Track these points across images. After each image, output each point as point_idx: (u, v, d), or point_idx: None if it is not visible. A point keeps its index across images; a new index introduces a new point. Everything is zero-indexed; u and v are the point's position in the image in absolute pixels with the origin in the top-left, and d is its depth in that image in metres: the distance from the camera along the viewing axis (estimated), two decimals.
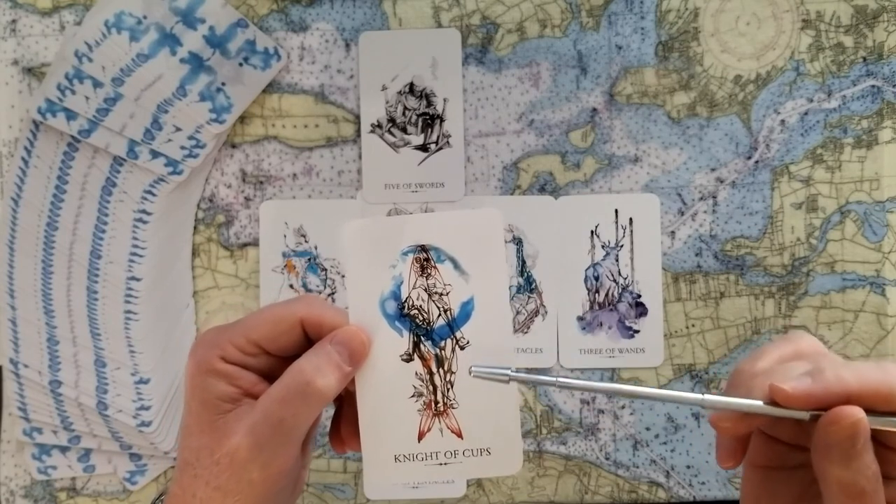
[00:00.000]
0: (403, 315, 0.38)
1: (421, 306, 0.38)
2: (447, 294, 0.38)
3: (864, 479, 0.31)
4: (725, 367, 0.55)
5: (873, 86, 0.54)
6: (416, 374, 0.38)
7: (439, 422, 0.38)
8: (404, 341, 0.38)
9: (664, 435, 0.55)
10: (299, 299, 0.38)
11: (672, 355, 0.55)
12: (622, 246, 0.55)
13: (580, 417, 0.55)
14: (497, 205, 0.55)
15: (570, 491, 0.55)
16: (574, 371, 0.55)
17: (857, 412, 0.31)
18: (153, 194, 0.54)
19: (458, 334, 0.38)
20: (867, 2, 0.54)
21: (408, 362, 0.38)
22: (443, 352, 0.38)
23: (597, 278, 0.55)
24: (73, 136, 0.53)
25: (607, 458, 0.55)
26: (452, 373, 0.38)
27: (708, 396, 0.33)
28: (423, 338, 0.38)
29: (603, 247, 0.55)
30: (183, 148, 0.53)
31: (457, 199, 0.55)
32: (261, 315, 0.38)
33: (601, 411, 0.55)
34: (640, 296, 0.55)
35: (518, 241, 0.55)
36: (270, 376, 0.37)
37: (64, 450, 0.55)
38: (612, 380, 0.55)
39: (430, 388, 0.38)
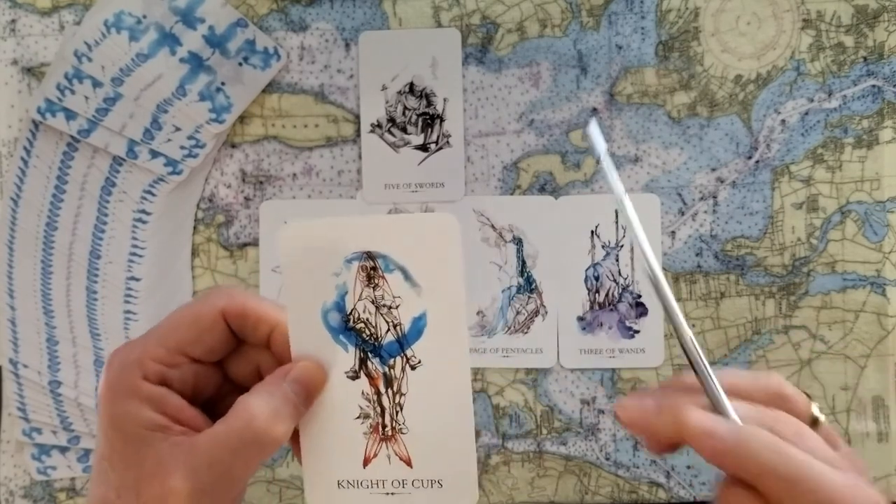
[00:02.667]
0: (348, 328, 0.34)
1: (368, 319, 0.34)
2: (396, 307, 0.34)
3: None
4: (726, 367, 0.55)
5: (874, 86, 0.54)
6: (363, 393, 0.34)
7: (387, 447, 0.35)
8: (350, 357, 0.34)
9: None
10: (215, 290, 0.34)
11: (672, 355, 0.55)
12: (622, 246, 0.55)
13: (580, 418, 0.55)
14: (497, 205, 0.55)
15: (570, 491, 0.55)
16: (574, 371, 0.55)
17: None
18: (153, 194, 0.54)
19: (408, 352, 0.34)
20: (868, 1, 0.54)
21: (353, 380, 0.34)
22: (392, 371, 0.34)
23: (597, 278, 0.55)
24: (72, 136, 0.53)
25: (607, 459, 0.55)
26: (402, 394, 0.34)
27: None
28: (370, 354, 0.34)
29: (603, 247, 0.55)
30: (182, 148, 0.53)
31: (457, 199, 0.55)
32: (176, 317, 0.34)
33: (601, 411, 0.55)
34: (640, 296, 0.55)
35: (518, 241, 0.55)
36: (198, 390, 0.34)
37: (63, 450, 0.55)
38: (612, 380, 0.55)
39: (378, 409, 0.35)
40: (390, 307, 0.34)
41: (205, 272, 0.56)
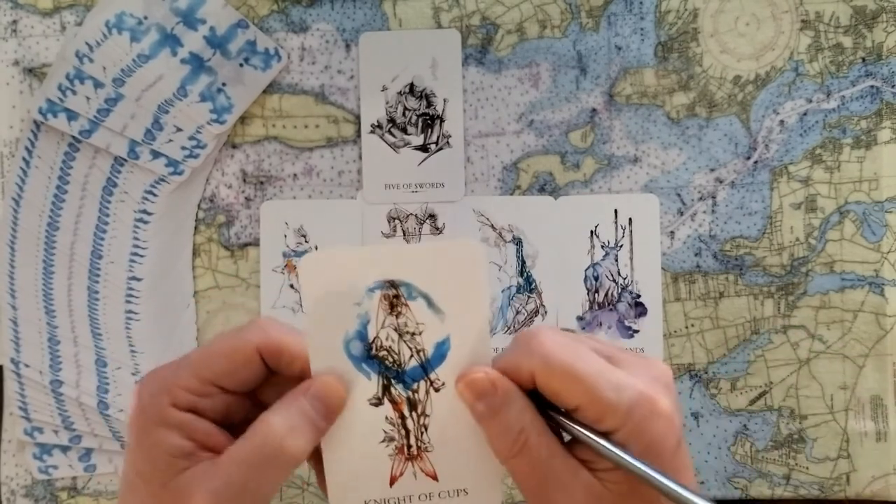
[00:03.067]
0: (371, 357, 0.34)
1: (391, 347, 0.34)
2: (420, 334, 0.34)
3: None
4: (724, 366, 0.55)
5: (872, 86, 0.54)
6: (387, 418, 0.34)
7: (412, 465, 0.35)
8: (372, 385, 0.34)
9: None
10: (252, 325, 0.34)
11: (671, 355, 0.55)
12: (622, 246, 0.55)
13: None
14: (497, 205, 0.55)
15: None
16: None
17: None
18: (154, 194, 0.54)
19: (432, 376, 0.34)
20: (866, 2, 0.54)
21: (377, 406, 0.34)
22: (416, 395, 0.34)
23: (596, 278, 0.55)
24: (73, 137, 0.53)
25: None
26: (426, 416, 0.35)
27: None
28: (393, 380, 0.34)
29: (602, 247, 0.55)
30: (184, 148, 0.53)
31: (457, 200, 0.55)
32: (212, 349, 0.33)
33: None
34: (639, 296, 0.55)
35: (518, 241, 0.55)
36: (228, 417, 0.34)
37: (65, 449, 0.55)
38: None
39: (403, 432, 0.35)
40: (413, 334, 0.34)
41: (206, 272, 0.56)
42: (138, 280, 0.54)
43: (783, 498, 0.55)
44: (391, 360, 0.34)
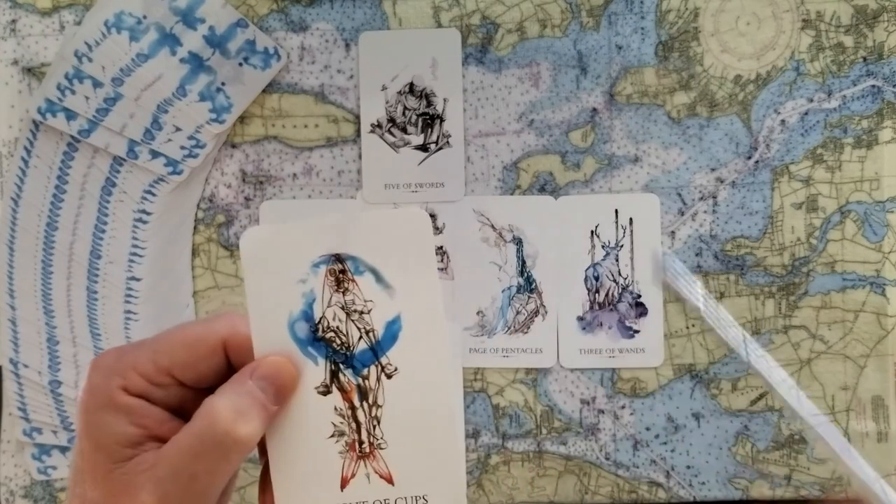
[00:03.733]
0: (317, 339, 0.32)
1: (338, 328, 0.32)
2: (369, 312, 0.32)
3: None
4: (725, 367, 0.55)
5: (873, 86, 0.54)
6: (336, 409, 0.32)
7: (365, 465, 0.32)
8: (320, 370, 0.32)
9: (664, 435, 0.55)
10: (220, 316, 0.32)
11: (672, 355, 0.55)
12: (622, 246, 0.55)
13: (580, 417, 0.55)
14: (497, 205, 0.55)
15: (570, 491, 0.55)
16: (574, 371, 0.55)
17: None
18: (153, 194, 0.54)
19: (383, 360, 0.32)
20: (867, 2, 0.54)
21: (325, 395, 0.32)
22: (366, 381, 0.32)
23: (597, 278, 0.55)
24: (72, 136, 0.53)
25: (607, 459, 0.55)
26: (378, 406, 0.32)
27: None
28: (342, 365, 0.32)
29: (603, 247, 0.55)
30: (183, 148, 0.53)
31: (457, 200, 0.55)
32: (174, 336, 0.31)
33: (601, 411, 0.55)
34: (640, 296, 0.55)
35: (518, 241, 0.55)
36: (181, 412, 0.31)
37: (64, 450, 0.55)
38: (612, 380, 0.55)
39: (353, 425, 0.32)
40: (362, 312, 0.32)
41: (205, 272, 0.56)
42: (137, 280, 0.54)
43: (784, 498, 0.55)
44: (339, 342, 0.32)
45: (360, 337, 0.32)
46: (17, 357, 0.54)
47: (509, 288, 0.55)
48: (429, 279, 0.32)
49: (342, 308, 0.32)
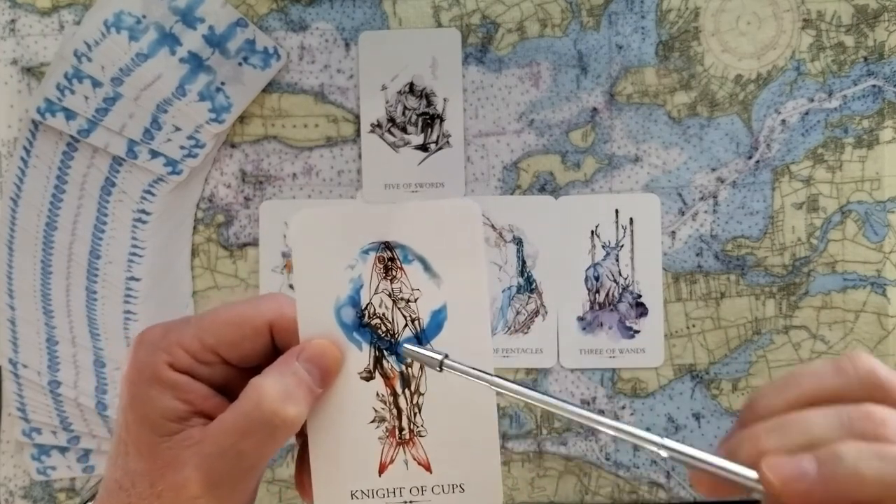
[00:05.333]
0: (363, 325, 0.32)
1: (384, 315, 0.32)
2: (415, 301, 0.32)
3: None
4: (726, 367, 0.54)
5: (874, 85, 0.54)
6: (378, 395, 0.32)
7: (404, 452, 0.32)
8: (364, 356, 0.32)
9: (664, 435, 0.55)
10: (267, 298, 0.32)
11: (672, 355, 0.55)
12: (622, 246, 0.55)
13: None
14: (497, 205, 0.55)
15: (570, 491, 0.55)
16: (574, 371, 0.55)
17: None
18: (152, 194, 0.54)
19: (427, 348, 0.32)
20: (868, 1, 0.54)
21: (367, 381, 0.32)
22: (409, 369, 0.32)
23: (597, 278, 0.55)
24: (72, 136, 0.53)
25: (607, 459, 0.55)
26: (420, 394, 0.32)
27: (667, 441, 0.28)
28: (386, 352, 0.32)
29: (603, 247, 0.55)
30: (182, 148, 0.53)
31: None
32: (220, 315, 0.31)
33: (601, 411, 0.55)
34: (640, 296, 0.55)
35: (518, 241, 0.55)
36: (223, 389, 0.32)
37: (63, 450, 0.55)
38: (612, 380, 0.55)
39: (394, 412, 0.32)
40: (408, 300, 0.32)
41: (204, 272, 0.56)
42: (137, 280, 0.54)
43: None
44: (384, 328, 0.32)
45: (406, 325, 0.32)
46: (17, 357, 0.54)
47: (509, 288, 0.55)
48: (476, 270, 0.32)
49: (389, 295, 0.32)
